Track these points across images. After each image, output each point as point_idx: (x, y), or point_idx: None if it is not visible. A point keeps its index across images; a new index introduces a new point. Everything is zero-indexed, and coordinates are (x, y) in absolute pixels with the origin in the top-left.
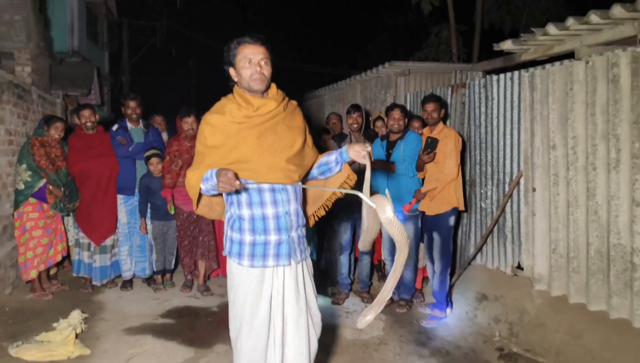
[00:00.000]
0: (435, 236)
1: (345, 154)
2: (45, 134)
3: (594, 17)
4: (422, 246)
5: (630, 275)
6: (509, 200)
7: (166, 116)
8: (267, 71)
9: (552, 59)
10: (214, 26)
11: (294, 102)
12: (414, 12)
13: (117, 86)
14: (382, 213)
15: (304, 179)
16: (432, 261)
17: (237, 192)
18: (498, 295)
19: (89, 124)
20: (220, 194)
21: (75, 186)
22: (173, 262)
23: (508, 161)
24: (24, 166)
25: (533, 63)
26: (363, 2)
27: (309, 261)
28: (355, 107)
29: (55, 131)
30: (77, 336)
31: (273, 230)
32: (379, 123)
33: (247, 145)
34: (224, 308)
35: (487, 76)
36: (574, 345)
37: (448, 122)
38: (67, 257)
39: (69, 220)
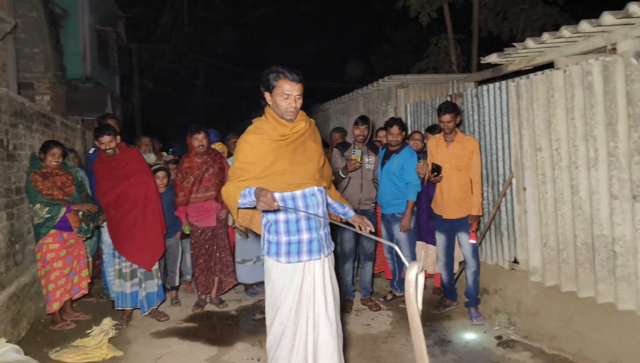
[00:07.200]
0: (464, 237)
1: (349, 218)
2: (42, 165)
3: (565, 32)
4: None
5: (613, 262)
6: (503, 199)
7: (180, 135)
8: (299, 104)
9: (536, 69)
10: (220, 45)
11: (313, 121)
12: (414, 25)
13: (130, 108)
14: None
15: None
16: (450, 260)
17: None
18: (497, 288)
19: (109, 151)
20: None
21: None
22: (177, 279)
23: (501, 164)
24: (38, 205)
25: (519, 73)
26: (366, 18)
27: (332, 257)
28: (363, 119)
29: (53, 158)
30: (109, 341)
31: (305, 230)
32: (381, 133)
33: (283, 161)
34: (241, 312)
35: (479, 86)
36: (565, 329)
37: None
38: (90, 285)
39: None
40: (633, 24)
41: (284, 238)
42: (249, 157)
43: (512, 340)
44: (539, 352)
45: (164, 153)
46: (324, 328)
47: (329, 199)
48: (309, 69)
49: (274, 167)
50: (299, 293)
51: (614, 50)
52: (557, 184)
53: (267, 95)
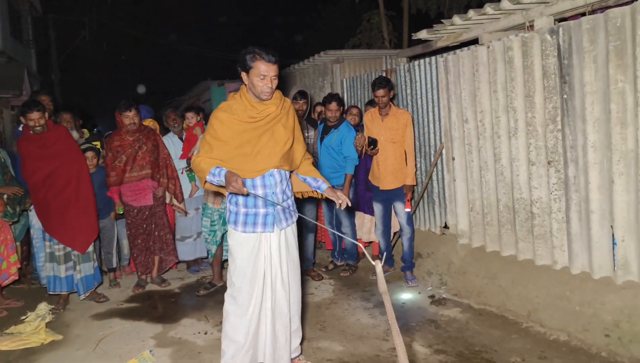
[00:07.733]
0: (400, 206)
1: (323, 191)
2: None
3: (488, 9)
4: (365, 217)
5: (531, 222)
6: (435, 169)
7: (106, 113)
8: (275, 85)
9: (463, 45)
10: (149, 20)
11: (289, 101)
12: (346, 1)
13: (48, 84)
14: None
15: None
16: (387, 229)
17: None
18: (430, 252)
19: (38, 128)
20: None
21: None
22: (114, 261)
23: (432, 136)
24: None
25: (449, 49)
26: None
27: (294, 228)
28: (302, 94)
29: None
30: (46, 325)
31: (262, 205)
32: (318, 108)
33: (249, 144)
34: (185, 289)
35: (411, 62)
36: (490, 285)
37: None
38: (20, 271)
39: (35, 233)
40: (548, 2)
41: (242, 209)
42: (217, 133)
43: (443, 298)
44: (467, 307)
45: (85, 130)
46: (280, 293)
47: (300, 177)
48: (243, 45)
49: (239, 150)
50: (254, 260)
51: (531, 27)
52: (481, 153)
53: (243, 75)
